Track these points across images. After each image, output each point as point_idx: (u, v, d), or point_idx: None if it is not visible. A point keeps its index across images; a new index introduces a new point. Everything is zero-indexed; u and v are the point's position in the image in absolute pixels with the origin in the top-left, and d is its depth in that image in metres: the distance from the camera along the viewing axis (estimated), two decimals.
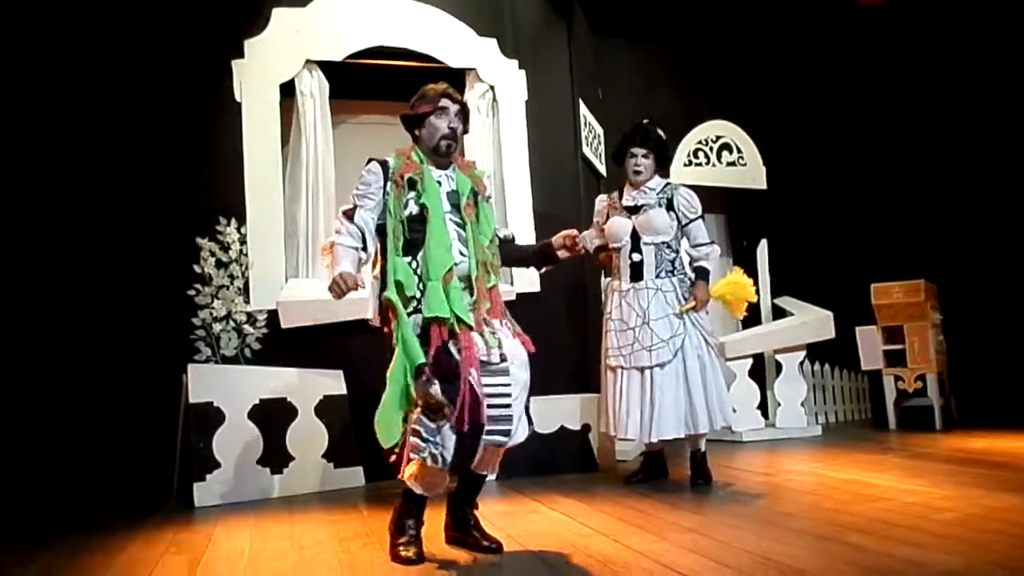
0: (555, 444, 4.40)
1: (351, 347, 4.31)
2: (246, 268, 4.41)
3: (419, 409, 2.48)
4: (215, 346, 4.32)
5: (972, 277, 6.57)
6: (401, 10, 4.81)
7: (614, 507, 3.32)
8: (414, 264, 2.61)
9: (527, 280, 4.75)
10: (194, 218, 4.39)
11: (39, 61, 4.32)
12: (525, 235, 4.67)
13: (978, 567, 2.15)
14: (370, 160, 2.75)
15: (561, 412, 4.45)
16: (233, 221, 4.42)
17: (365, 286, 2.64)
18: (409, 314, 2.57)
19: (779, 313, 6.35)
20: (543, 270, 2.99)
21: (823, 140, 7.17)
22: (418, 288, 2.59)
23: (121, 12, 4.40)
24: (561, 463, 4.38)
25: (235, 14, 4.55)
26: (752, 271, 6.23)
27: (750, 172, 6.62)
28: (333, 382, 4.30)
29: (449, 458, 2.47)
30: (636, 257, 3.95)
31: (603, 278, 5.23)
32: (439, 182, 2.72)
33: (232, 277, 4.40)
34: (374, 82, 4.95)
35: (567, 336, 4.87)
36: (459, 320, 2.55)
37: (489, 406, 2.54)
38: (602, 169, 5.77)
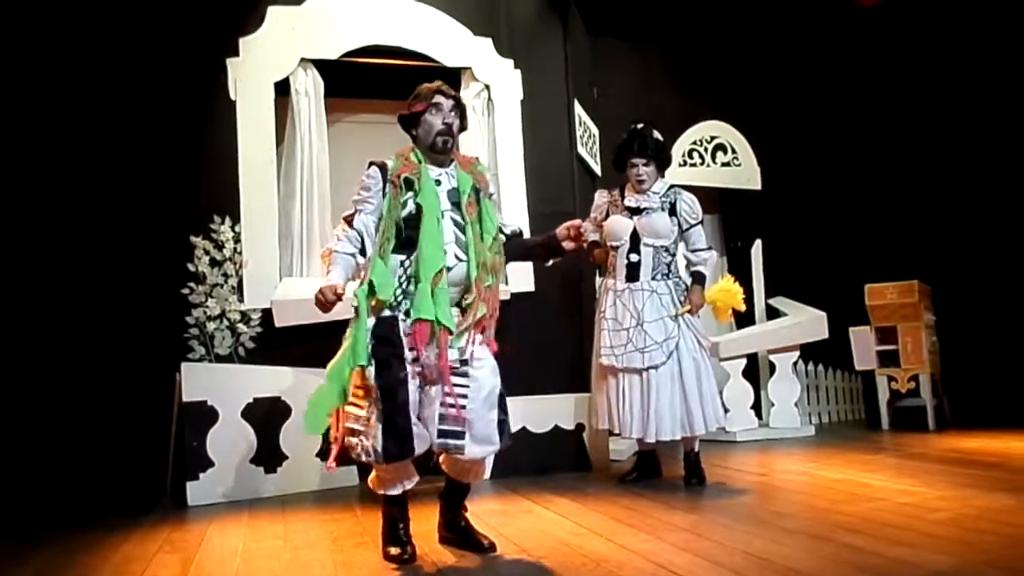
0: (549, 444, 4.40)
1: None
2: (240, 267, 4.40)
3: (348, 403, 2.50)
4: (209, 345, 4.31)
5: (965, 278, 6.59)
6: (396, 9, 4.80)
7: (608, 506, 3.32)
8: (407, 263, 2.61)
9: (522, 279, 4.75)
10: (188, 216, 4.37)
11: (34, 59, 4.30)
12: None
13: (970, 567, 2.16)
14: (370, 164, 2.74)
15: (555, 412, 4.45)
16: (227, 219, 4.40)
17: (345, 293, 2.63)
18: (380, 315, 2.56)
19: (773, 313, 6.36)
20: (549, 263, 2.97)
21: (818, 141, 7.18)
22: (398, 291, 2.58)
23: (116, 10, 4.38)
24: (555, 463, 4.38)
25: (230, 12, 4.53)
26: (746, 271, 6.26)
27: (745, 172, 6.63)
28: None
29: (380, 449, 2.45)
30: (634, 257, 3.96)
31: (597, 277, 5.23)
32: (439, 181, 2.71)
33: (226, 276, 4.39)
34: (369, 81, 4.94)
35: (562, 335, 4.86)
36: (440, 324, 2.54)
37: (441, 404, 2.54)
38: (597, 169, 5.77)
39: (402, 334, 2.55)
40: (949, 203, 6.79)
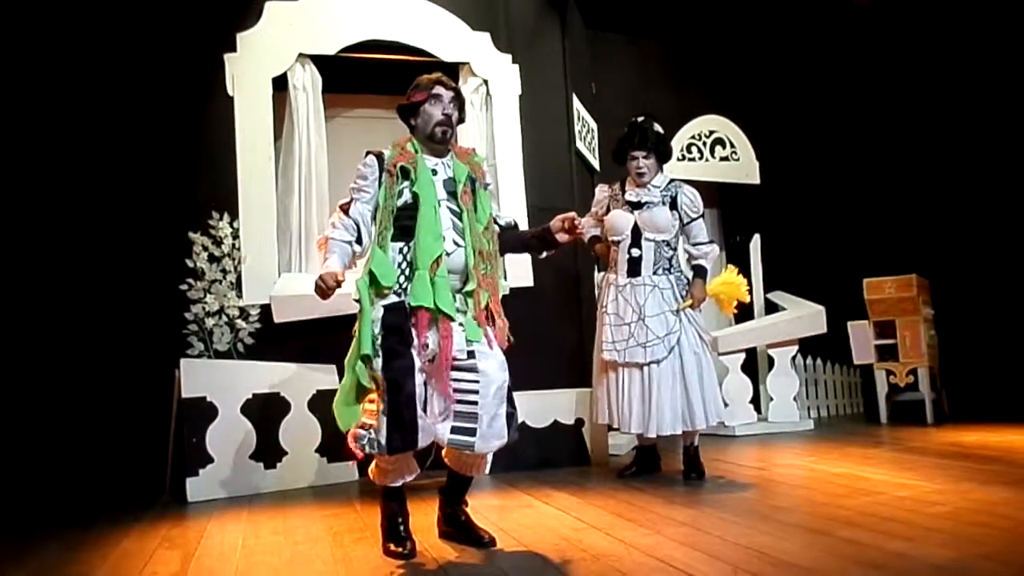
0: (549, 438, 4.41)
1: (344, 341, 4.28)
2: (239, 262, 4.40)
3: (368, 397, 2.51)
4: (208, 341, 4.31)
5: (964, 272, 6.61)
6: (394, 4, 4.79)
7: (607, 501, 3.32)
8: (405, 250, 2.60)
9: (520, 274, 4.75)
10: (186, 212, 4.37)
11: (31, 55, 4.29)
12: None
13: (969, 560, 2.17)
14: (367, 153, 2.74)
15: (554, 406, 4.46)
16: (226, 215, 4.40)
17: (345, 278, 2.63)
18: (385, 303, 2.55)
19: (771, 308, 6.37)
20: (543, 255, 2.96)
21: (816, 135, 7.19)
22: (400, 278, 2.58)
23: (113, 6, 4.37)
24: (554, 457, 4.39)
25: (227, 8, 4.53)
26: (745, 266, 6.25)
27: (743, 167, 6.64)
28: (326, 376, 4.29)
29: (384, 441, 2.46)
30: (635, 252, 3.95)
31: (596, 272, 5.23)
32: (435, 170, 2.71)
33: (225, 271, 4.38)
34: (367, 76, 4.93)
35: (561, 330, 4.87)
36: (440, 312, 2.54)
37: (457, 401, 2.55)
38: (595, 163, 5.77)
39: (410, 322, 2.55)
40: (947, 197, 6.80)
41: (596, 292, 5.14)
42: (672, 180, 4.07)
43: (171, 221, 4.34)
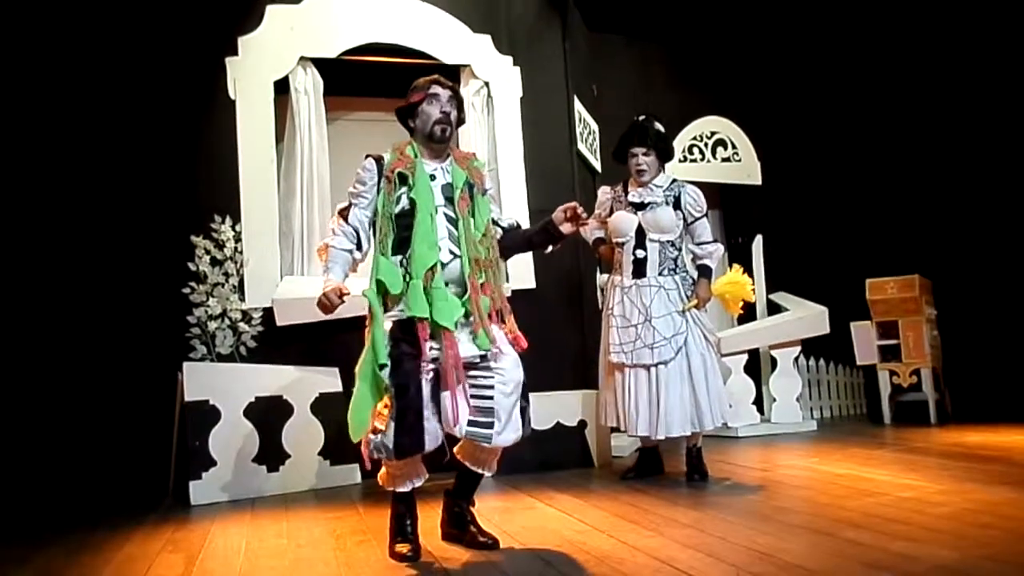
0: (552, 440, 4.40)
1: (347, 344, 4.28)
2: (241, 266, 4.40)
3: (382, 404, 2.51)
4: (210, 344, 4.32)
5: (966, 272, 6.59)
6: (395, 6, 4.80)
7: (611, 503, 3.32)
8: (405, 262, 2.60)
9: (522, 276, 4.75)
10: (189, 216, 4.38)
11: (33, 59, 4.30)
12: None
13: (972, 561, 2.16)
14: (366, 156, 2.74)
15: (558, 408, 4.45)
16: (228, 219, 4.41)
17: (350, 292, 2.63)
18: (390, 314, 2.57)
19: (774, 309, 6.36)
20: (548, 250, 2.96)
21: (818, 136, 7.18)
22: (404, 286, 2.58)
23: (115, 10, 4.38)
24: (558, 459, 4.38)
25: (229, 11, 4.54)
26: (747, 267, 6.24)
27: (745, 168, 6.63)
28: (329, 379, 4.29)
29: (392, 445, 2.46)
30: (640, 254, 3.95)
31: (598, 274, 5.23)
32: (433, 175, 2.70)
33: (227, 275, 4.39)
34: (369, 79, 4.94)
35: (564, 332, 4.87)
36: (437, 324, 2.53)
37: (473, 396, 2.55)
38: (597, 165, 5.77)
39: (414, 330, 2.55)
40: (949, 197, 6.78)
41: (598, 294, 5.14)
42: (675, 180, 4.06)
43: (173, 225, 4.35)
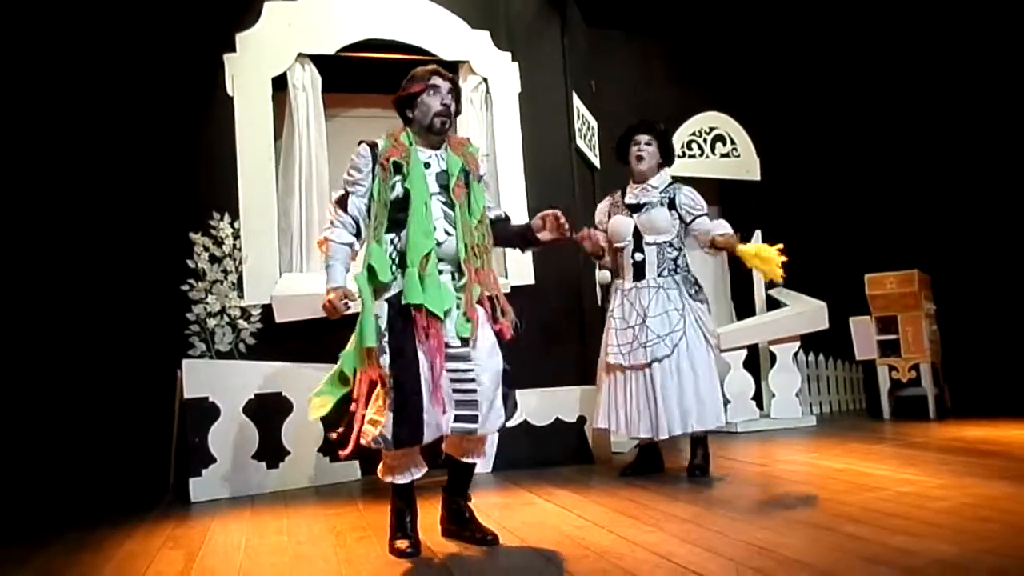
0: (551, 436, 4.41)
1: (346, 340, 4.29)
2: (240, 262, 4.40)
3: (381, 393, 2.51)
4: (209, 341, 4.31)
5: (965, 267, 6.59)
6: (393, 3, 4.79)
7: (610, 499, 3.32)
8: (396, 241, 2.60)
9: (521, 272, 4.74)
10: (187, 213, 4.37)
11: (31, 56, 4.29)
12: None
13: (971, 555, 2.16)
14: (360, 142, 2.73)
15: (557, 404, 4.46)
16: (226, 216, 4.40)
17: (355, 298, 2.63)
18: (389, 298, 2.57)
19: (773, 304, 6.36)
20: (527, 252, 2.96)
21: (817, 131, 7.17)
22: (393, 272, 2.58)
23: (113, 7, 4.37)
24: (557, 455, 4.38)
25: (227, 8, 4.53)
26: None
27: (744, 163, 6.63)
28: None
29: (391, 436, 2.46)
30: (638, 256, 3.95)
31: (597, 270, 5.22)
32: (428, 163, 2.69)
33: (226, 272, 4.39)
34: (367, 75, 4.92)
35: (563, 328, 4.86)
36: (430, 312, 2.53)
37: (455, 391, 2.55)
38: (596, 161, 5.76)
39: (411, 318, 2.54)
40: (948, 192, 6.78)
41: (597, 290, 5.14)
42: (672, 182, 4.05)
43: (172, 222, 4.35)
